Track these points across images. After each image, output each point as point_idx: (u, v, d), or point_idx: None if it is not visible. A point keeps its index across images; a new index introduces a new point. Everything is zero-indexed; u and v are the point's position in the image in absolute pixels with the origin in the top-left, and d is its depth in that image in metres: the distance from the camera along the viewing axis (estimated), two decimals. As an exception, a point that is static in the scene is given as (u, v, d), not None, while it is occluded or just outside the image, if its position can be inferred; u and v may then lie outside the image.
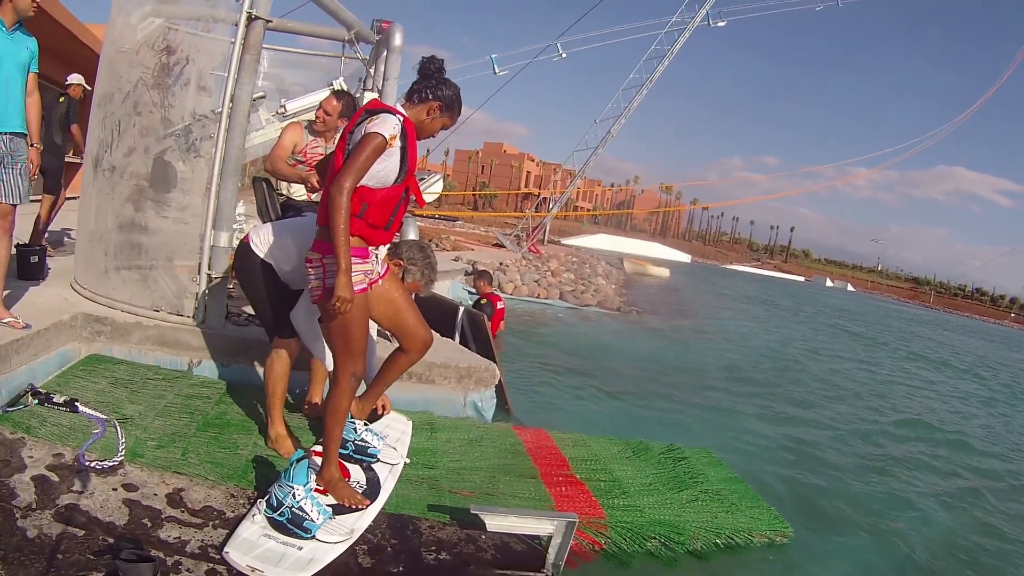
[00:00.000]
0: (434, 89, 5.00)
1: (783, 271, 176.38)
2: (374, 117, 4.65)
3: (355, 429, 5.63)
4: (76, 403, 5.87)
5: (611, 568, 5.47)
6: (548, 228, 61.27)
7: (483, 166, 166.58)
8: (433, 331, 5.66)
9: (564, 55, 51.18)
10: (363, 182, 4.64)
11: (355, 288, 4.65)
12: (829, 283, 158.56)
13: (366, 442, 5.64)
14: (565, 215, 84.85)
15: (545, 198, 71.47)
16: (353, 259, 4.61)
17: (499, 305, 14.71)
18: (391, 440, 5.94)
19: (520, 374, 13.07)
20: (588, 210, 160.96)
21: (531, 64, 51.75)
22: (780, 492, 8.31)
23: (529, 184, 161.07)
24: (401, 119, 4.74)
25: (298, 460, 4.60)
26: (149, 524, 4.49)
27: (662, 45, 53.43)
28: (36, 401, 5.88)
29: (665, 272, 63.04)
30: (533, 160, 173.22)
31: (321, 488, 4.87)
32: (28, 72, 6.46)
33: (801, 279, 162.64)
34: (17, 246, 7.23)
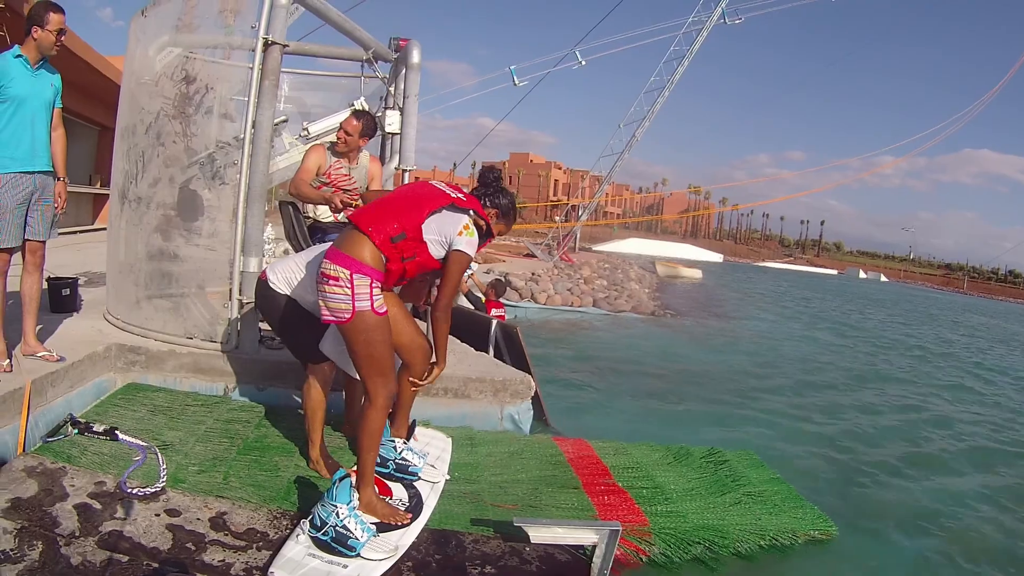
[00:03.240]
0: (492, 198, 5.27)
1: (816, 265, 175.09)
2: (463, 229, 4.97)
3: (395, 448, 5.63)
4: (116, 431, 5.92)
5: (656, 574, 5.43)
6: (579, 235, 61.15)
7: (510, 177, 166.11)
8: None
9: (584, 63, 51.06)
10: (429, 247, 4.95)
11: (380, 311, 4.78)
12: (863, 275, 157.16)
13: (407, 460, 5.64)
14: (594, 223, 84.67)
15: (574, 206, 71.32)
16: (374, 283, 4.75)
17: (493, 312, 14.77)
18: (432, 458, 5.94)
19: (556, 384, 13.03)
20: (617, 215, 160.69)
21: (552, 72, 51.65)
22: (822, 491, 8.22)
23: (557, 192, 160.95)
24: (475, 234, 5.05)
25: (340, 479, 4.59)
26: (193, 548, 4.51)
27: (681, 46, 53.30)
28: (76, 431, 5.93)
29: (698, 273, 62.71)
30: (560, 168, 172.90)
31: (363, 507, 4.85)
32: (53, 108, 6.49)
33: (834, 272, 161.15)
34: (48, 279, 7.27)
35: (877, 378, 19.25)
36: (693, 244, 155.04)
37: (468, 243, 4.94)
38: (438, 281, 5.37)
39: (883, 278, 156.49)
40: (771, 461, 7.77)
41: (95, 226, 26.33)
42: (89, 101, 21.74)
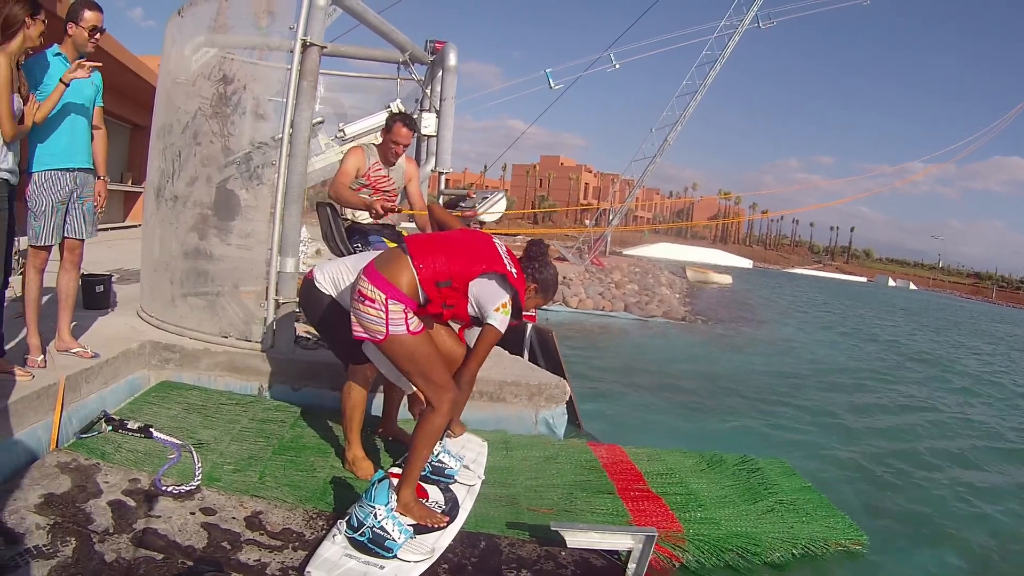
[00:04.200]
0: (536, 272, 5.24)
1: (845, 272, 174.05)
2: (500, 307, 4.95)
3: (432, 451, 5.58)
4: (151, 429, 5.94)
5: (689, 581, 5.39)
6: (609, 240, 61.07)
7: (541, 180, 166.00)
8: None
9: (618, 65, 50.91)
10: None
11: (416, 331, 4.80)
12: (891, 283, 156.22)
13: (443, 463, 5.62)
14: (625, 228, 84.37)
15: (605, 210, 71.13)
16: (408, 310, 4.77)
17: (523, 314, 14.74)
18: (467, 461, 5.91)
19: (589, 388, 13.02)
20: (648, 220, 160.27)
21: (585, 75, 51.55)
22: (853, 500, 8.19)
23: (587, 195, 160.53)
24: (509, 313, 5.02)
25: (379, 480, 4.58)
26: (228, 547, 4.50)
27: (713, 50, 53.18)
28: (110, 428, 5.97)
29: (728, 279, 62.60)
30: (591, 171, 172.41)
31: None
32: (94, 107, 6.52)
33: (863, 280, 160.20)
34: (82, 276, 7.31)
35: (906, 387, 19.13)
36: (723, 249, 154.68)
37: (502, 321, 4.94)
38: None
39: (912, 286, 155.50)
40: (801, 469, 7.71)
41: (126, 223, 26.50)
42: (121, 99, 21.88)
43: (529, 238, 5.55)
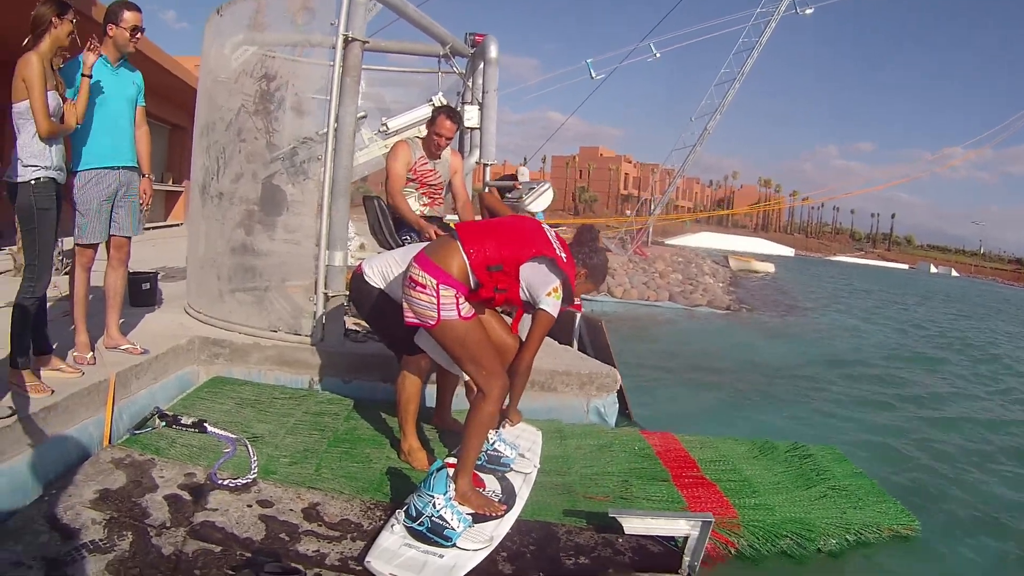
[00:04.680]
0: (586, 257, 5.30)
1: (887, 259, 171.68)
2: (552, 291, 4.98)
3: (488, 439, 5.56)
4: (205, 424, 5.99)
5: (744, 568, 5.36)
6: (651, 230, 60.90)
7: (580, 171, 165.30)
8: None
9: (658, 55, 50.73)
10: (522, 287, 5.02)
11: (467, 316, 4.82)
12: (933, 269, 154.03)
13: (499, 452, 5.61)
14: (666, 217, 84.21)
15: (646, 200, 70.97)
16: (459, 295, 4.79)
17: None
18: (522, 449, 5.89)
19: (636, 378, 12.95)
20: (689, 209, 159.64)
21: (624, 65, 51.41)
22: (903, 486, 8.06)
23: (628, 186, 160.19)
24: (560, 298, 5.04)
25: (438, 469, 4.58)
26: (287, 538, 4.52)
27: (750, 37, 52.87)
28: (164, 423, 6.00)
29: (770, 267, 62.12)
30: (630, 162, 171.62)
31: (459, 497, 4.84)
32: (136, 106, 6.58)
33: (905, 267, 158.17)
34: (128, 274, 7.38)
35: (952, 375, 18.90)
36: (764, 238, 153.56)
37: (554, 305, 4.96)
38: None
39: (954, 272, 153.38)
40: (850, 455, 7.65)
41: (168, 222, 26.73)
42: (159, 100, 22.09)
43: (562, 227, 5.55)
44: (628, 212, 76.54)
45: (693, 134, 55.70)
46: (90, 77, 5.76)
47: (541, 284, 4.92)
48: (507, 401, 5.46)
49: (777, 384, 14.85)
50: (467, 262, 4.76)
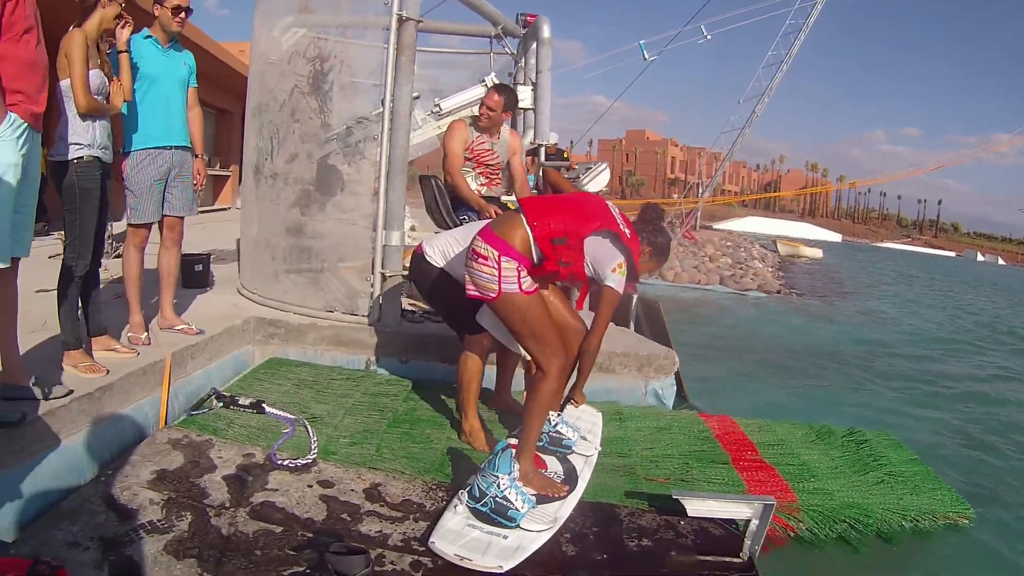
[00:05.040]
0: (651, 235, 5.23)
1: (933, 247, 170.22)
2: (617, 267, 4.89)
3: (550, 421, 5.52)
4: (263, 404, 5.98)
5: (802, 552, 5.34)
6: (699, 214, 60.71)
7: (627, 154, 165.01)
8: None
9: (709, 36, 50.32)
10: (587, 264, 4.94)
11: (529, 290, 4.79)
12: (980, 257, 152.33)
13: (561, 433, 5.56)
14: (713, 200, 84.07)
15: (694, 184, 70.77)
16: (521, 268, 4.75)
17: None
18: (583, 431, 5.84)
19: (690, 360, 12.92)
20: (735, 193, 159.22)
21: (673, 49, 51.07)
22: (956, 473, 8.00)
23: (675, 170, 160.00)
24: (625, 274, 4.94)
25: (502, 449, 4.54)
26: (349, 519, 4.50)
27: (797, 20, 52.36)
28: (221, 404, 6.02)
29: (818, 252, 61.88)
30: (677, 145, 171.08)
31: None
32: (188, 87, 6.61)
33: (952, 254, 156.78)
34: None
35: (1004, 362, 18.72)
36: (811, 223, 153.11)
37: (619, 281, 4.88)
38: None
39: (1000, 261, 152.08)
40: (904, 441, 7.57)
41: (216, 206, 26.92)
42: (205, 85, 22.11)
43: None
44: (675, 196, 76.35)
45: (741, 117, 55.34)
46: (128, 53, 5.75)
47: (606, 259, 4.85)
48: (572, 381, 5.40)
49: (829, 368, 14.88)
50: (531, 235, 4.72)
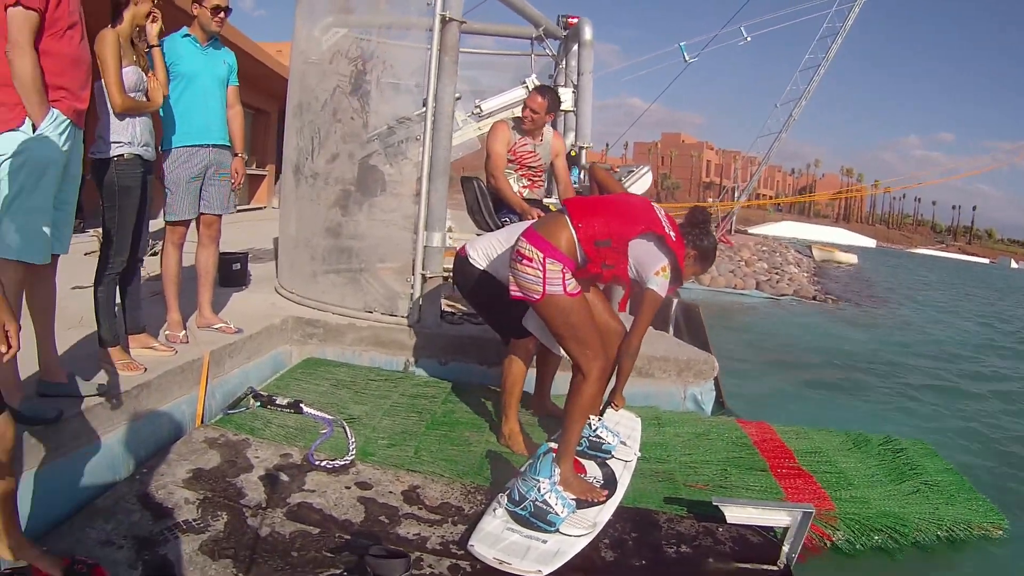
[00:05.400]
0: (696, 239, 5.13)
1: (967, 253, 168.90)
2: (660, 271, 4.85)
3: (590, 425, 5.50)
4: (301, 404, 5.99)
5: (839, 561, 5.32)
6: (735, 218, 60.50)
7: (663, 157, 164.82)
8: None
9: (748, 39, 50.13)
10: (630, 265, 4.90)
11: (573, 292, 4.74)
12: (1014, 264, 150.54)
13: (600, 438, 5.52)
14: (749, 204, 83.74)
15: (729, 188, 70.52)
16: (566, 270, 4.71)
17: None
18: (623, 436, 5.80)
19: (727, 366, 12.90)
20: (770, 197, 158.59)
21: (712, 51, 50.92)
22: (990, 484, 7.92)
23: (710, 173, 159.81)
24: (669, 277, 4.92)
25: (544, 453, 4.51)
26: (387, 521, 4.50)
27: (834, 23, 52.10)
28: (258, 404, 6.03)
29: (853, 258, 61.60)
30: (712, 148, 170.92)
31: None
32: (228, 85, 6.66)
33: (986, 261, 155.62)
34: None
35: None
36: (846, 228, 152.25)
37: (662, 285, 4.86)
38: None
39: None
40: (937, 450, 7.51)
41: (251, 205, 27.01)
42: (242, 85, 22.28)
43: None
44: (710, 200, 76.18)
45: (778, 121, 55.20)
46: (159, 47, 5.74)
47: (650, 263, 4.83)
48: (611, 385, 5.37)
49: (865, 375, 14.88)
50: (575, 236, 4.69)
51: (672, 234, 4.89)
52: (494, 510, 4.49)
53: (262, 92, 25.13)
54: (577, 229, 4.69)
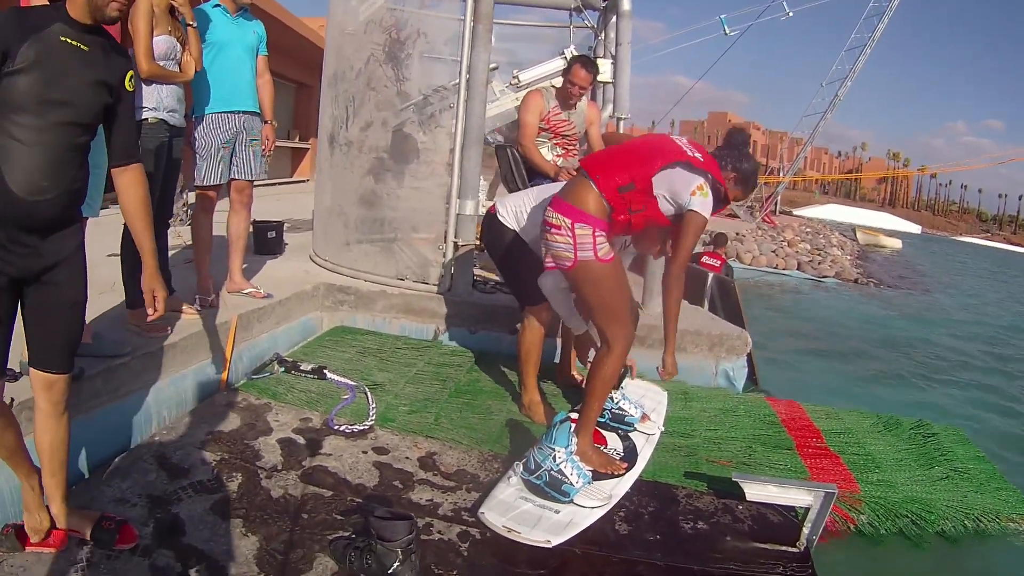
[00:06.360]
0: (736, 161, 4.98)
1: (1012, 243, 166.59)
2: (696, 190, 4.68)
3: (612, 397, 5.43)
4: (324, 370, 6.01)
5: (862, 545, 5.22)
6: (779, 199, 60.08)
7: (709, 136, 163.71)
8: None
9: (791, 13, 49.46)
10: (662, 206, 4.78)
11: (605, 258, 4.65)
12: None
13: (623, 410, 5.48)
14: (795, 181, 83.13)
15: (775, 168, 70.11)
16: (597, 232, 4.62)
17: (706, 261, 14.38)
18: (647, 409, 5.75)
19: (763, 344, 12.84)
20: (816, 179, 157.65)
21: (757, 24, 50.17)
22: (1022, 473, 7.85)
23: (756, 153, 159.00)
24: (709, 195, 4.75)
25: (561, 422, 4.46)
26: (400, 486, 4.52)
27: (880, 1, 51.35)
28: (283, 369, 6.05)
29: (897, 243, 61.09)
30: (759, 128, 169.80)
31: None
32: (258, 55, 6.65)
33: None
34: (253, 223, 7.45)
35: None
36: (891, 213, 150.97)
37: (702, 204, 4.69)
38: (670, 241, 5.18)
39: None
40: (973, 438, 7.40)
41: (293, 178, 27.14)
42: (285, 59, 22.50)
43: None
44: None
45: (823, 100, 54.52)
46: (194, 26, 5.76)
47: (683, 187, 4.69)
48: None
49: (902, 360, 14.82)
50: (599, 192, 4.62)
51: (699, 156, 4.76)
52: (508, 478, 4.47)
53: (304, 66, 25.17)
54: (597, 181, 4.62)
